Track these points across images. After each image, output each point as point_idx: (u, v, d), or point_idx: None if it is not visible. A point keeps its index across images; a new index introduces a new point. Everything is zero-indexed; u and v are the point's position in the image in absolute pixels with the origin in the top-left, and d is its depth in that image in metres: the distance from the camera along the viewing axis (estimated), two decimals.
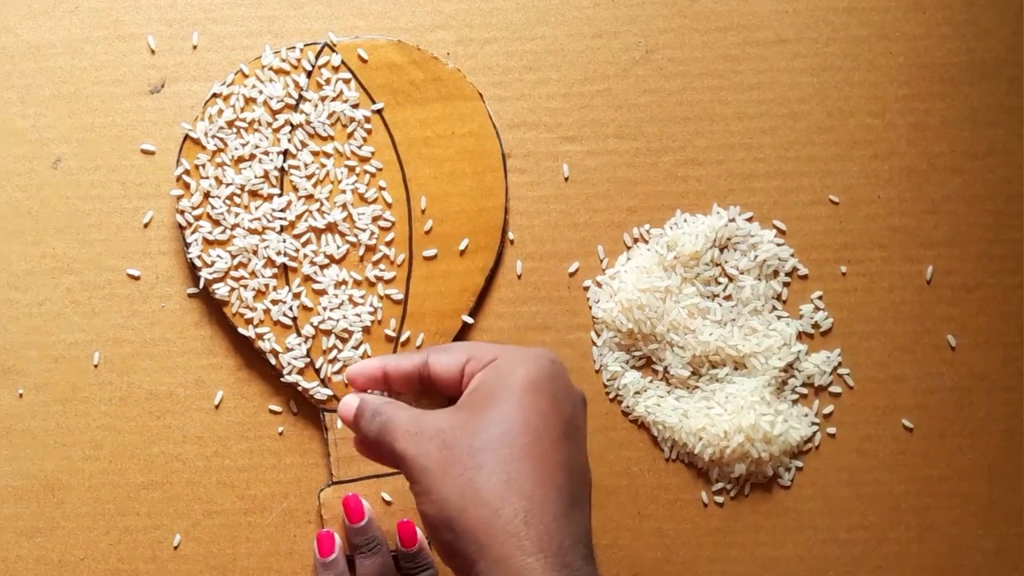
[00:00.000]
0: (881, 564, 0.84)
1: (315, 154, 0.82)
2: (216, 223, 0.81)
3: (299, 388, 0.82)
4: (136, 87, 0.84)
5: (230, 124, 0.82)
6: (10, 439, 0.83)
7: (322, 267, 0.82)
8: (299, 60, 0.82)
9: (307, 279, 0.82)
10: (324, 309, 0.82)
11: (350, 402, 0.65)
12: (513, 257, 0.84)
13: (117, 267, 0.84)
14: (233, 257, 0.81)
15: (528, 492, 0.54)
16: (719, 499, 0.84)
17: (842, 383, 0.85)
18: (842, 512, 0.84)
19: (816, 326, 0.85)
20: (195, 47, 0.85)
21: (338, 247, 0.82)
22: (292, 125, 0.82)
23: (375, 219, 0.82)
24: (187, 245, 0.81)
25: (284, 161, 0.82)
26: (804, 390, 0.84)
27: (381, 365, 0.66)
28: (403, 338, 0.82)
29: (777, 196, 0.85)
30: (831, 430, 0.84)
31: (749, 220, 0.85)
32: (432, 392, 0.66)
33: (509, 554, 0.52)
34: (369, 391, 0.67)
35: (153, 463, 0.83)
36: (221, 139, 0.82)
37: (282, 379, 0.82)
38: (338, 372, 0.82)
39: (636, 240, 0.85)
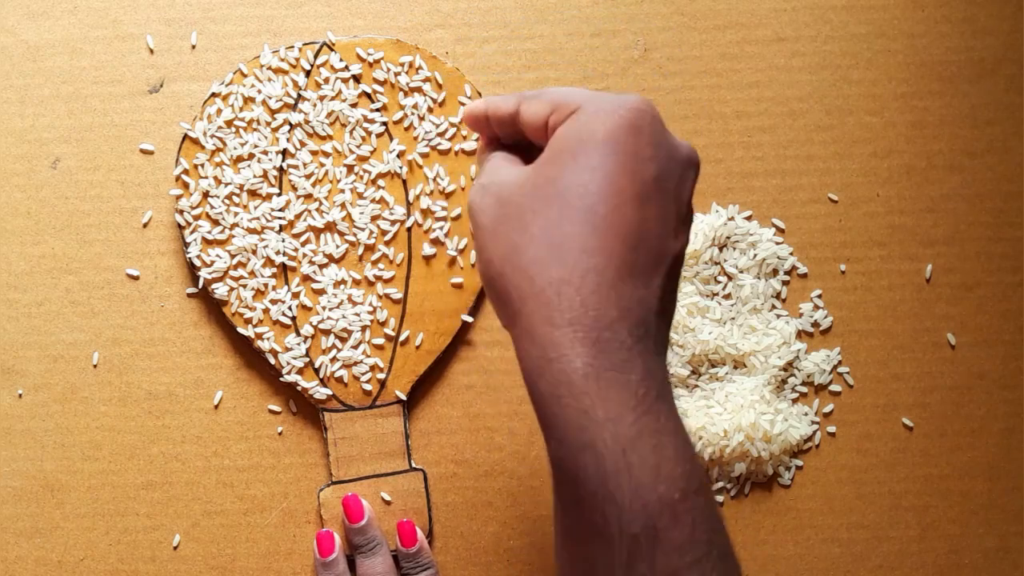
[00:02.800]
0: (881, 563, 0.84)
1: (314, 153, 0.82)
2: (215, 223, 0.81)
3: (298, 388, 0.82)
4: (135, 87, 0.84)
5: (229, 124, 0.82)
6: (9, 439, 0.83)
7: (321, 266, 0.82)
8: (298, 59, 0.82)
9: (306, 278, 0.82)
10: (323, 308, 0.82)
11: (475, 108, 0.61)
12: None
13: (116, 267, 0.83)
14: (232, 257, 0.81)
15: (570, 260, 0.48)
16: (719, 498, 0.84)
17: (842, 382, 0.85)
18: (842, 511, 0.84)
19: (816, 325, 0.85)
20: (194, 47, 0.85)
21: (337, 246, 0.82)
22: (291, 124, 0.82)
23: (374, 218, 0.82)
24: (186, 245, 0.81)
25: (283, 160, 0.82)
26: (804, 389, 0.84)
27: (485, 107, 0.60)
28: (402, 337, 0.82)
29: (776, 194, 0.85)
30: (831, 429, 0.84)
31: (748, 219, 0.85)
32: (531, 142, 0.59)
33: (537, 325, 0.48)
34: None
35: (152, 463, 0.83)
36: (220, 139, 0.82)
37: (281, 379, 0.82)
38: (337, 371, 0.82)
39: None
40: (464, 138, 0.83)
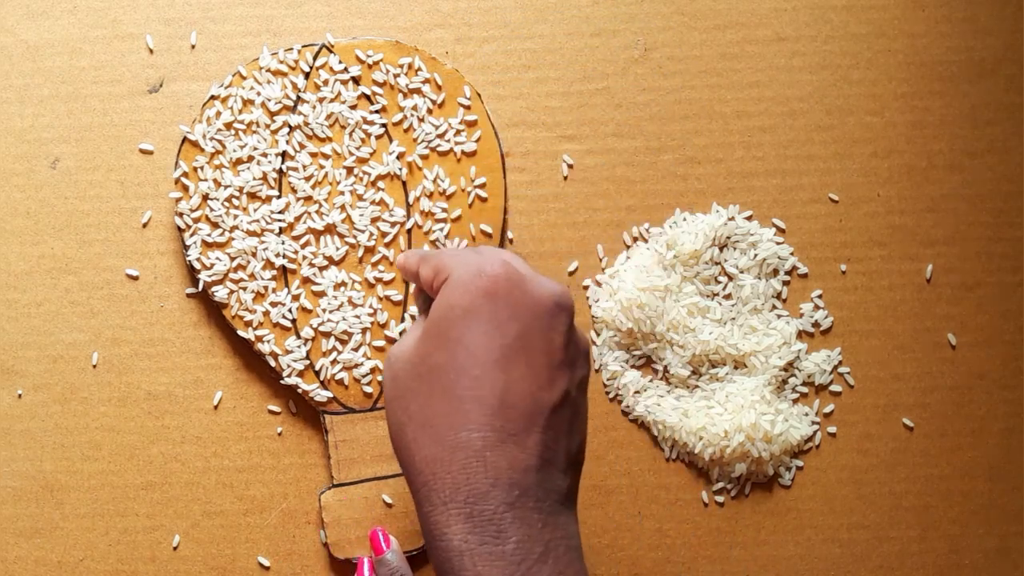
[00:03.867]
0: (882, 563, 0.84)
1: (313, 155, 0.82)
2: (215, 225, 0.81)
3: (299, 390, 0.82)
4: (134, 87, 0.84)
5: (228, 126, 0.82)
6: (9, 440, 0.83)
7: (321, 269, 0.82)
8: (297, 61, 0.82)
9: (306, 281, 0.82)
10: (323, 311, 0.82)
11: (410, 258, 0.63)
12: None
13: (116, 267, 0.83)
14: (232, 259, 0.81)
15: (440, 437, 0.50)
16: (719, 499, 0.84)
17: (842, 382, 0.85)
18: (843, 511, 0.84)
19: (816, 325, 0.85)
20: (193, 47, 0.84)
21: (337, 248, 0.82)
22: (290, 127, 0.82)
23: (374, 220, 0.82)
24: (186, 248, 0.81)
25: (282, 163, 0.82)
26: (804, 389, 0.84)
27: (403, 262, 0.63)
28: None
29: (777, 194, 0.85)
30: (831, 429, 0.84)
31: (749, 219, 0.85)
32: None
33: (421, 502, 0.51)
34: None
35: (152, 464, 0.83)
36: (219, 141, 0.81)
37: (282, 381, 0.82)
38: (337, 374, 0.82)
39: (635, 239, 0.85)
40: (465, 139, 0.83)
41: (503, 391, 0.51)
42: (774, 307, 0.85)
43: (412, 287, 0.82)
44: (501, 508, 0.49)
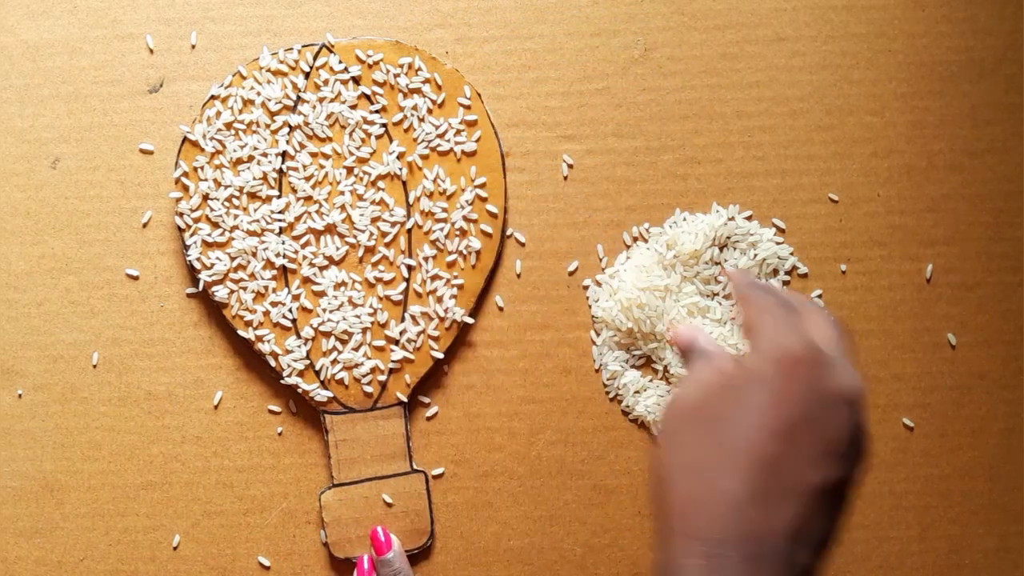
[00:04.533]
0: (882, 563, 0.84)
1: (313, 155, 0.82)
2: (215, 225, 0.81)
3: (299, 390, 0.82)
4: (135, 87, 0.84)
5: (228, 126, 0.82)
6: (9, 440, 0.83)
7: (321, 268, 0.82)
8: (297, 61, 0.82)
9: (306, 281, 0.82)
10: (324, 311, 0.82)
11: (690, 333, 0.63)
12: (512, 257, 0.84)
13: (116, 267, 0.83)
14: (232, 259, 0.81)
15: (706, 479, 0.52)
16: None
17: None
18: None
19: None
20: (193, 47, 0.84)
21: (337, 248, 0.82)
22: (290, 127, 0.82)
23: (374, 220, 0.82)
24: (186, 247, 0.81)
25: (283, 163, 0.82)
26: None
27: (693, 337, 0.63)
28: (403, 339, 0.82)
29: (776, 194, 0.85)
30: None
31: (748, 219, 0.85)
32: None
33: (669, 534, 0.53)
34: None
35: (152, 463, 0.83)
36: (219, 141, 0.82)
37: (282, 381, 0.82)
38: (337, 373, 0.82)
39: (635, 239, 0.85)
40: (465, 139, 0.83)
41: (774, 459, 0.52)
42: None
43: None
44: (737, 558, 0.51)
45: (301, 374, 0.82)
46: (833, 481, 0.54)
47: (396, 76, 0.83)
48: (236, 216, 0.81)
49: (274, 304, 0.82)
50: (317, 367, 0.82)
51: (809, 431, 0.53)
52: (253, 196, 0.82)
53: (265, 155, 0.82)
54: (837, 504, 0.55)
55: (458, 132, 0.83)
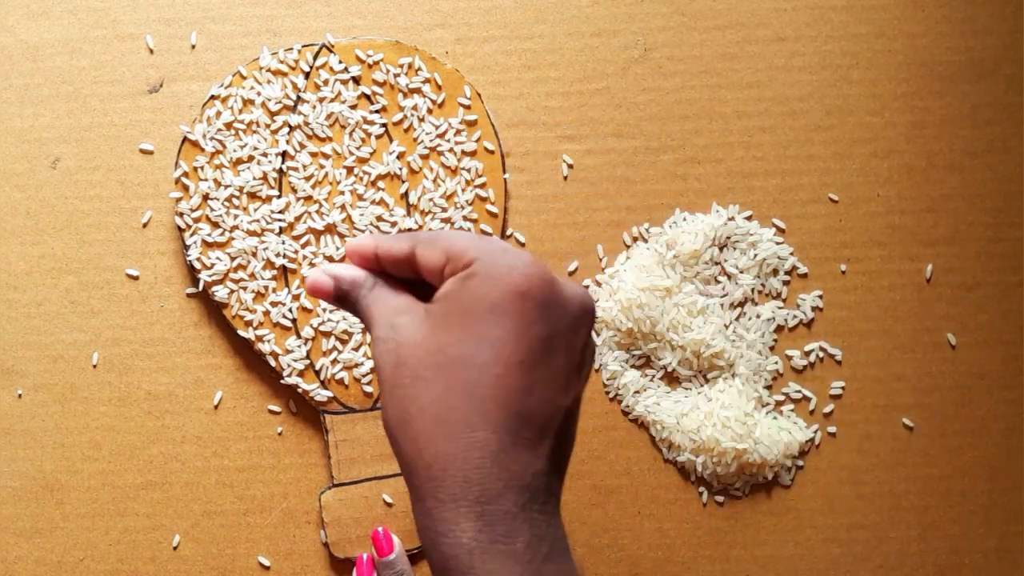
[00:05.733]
0: (882, 563, 0.84)
1: (313, 155, 0.82)
2: (215, 225, 0.81)
3: (299, 390, 0.82)
4: (135, 87, 0.84)
5: (228, 126, 0.82)
6: (9, 440, 0.83)
7: None
8: (297, 61, 0.82)
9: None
10: (324, 311, 0.82)
11: (348, 270, 0.58)
12: None
13: (116, 267, 0.83)
14: (232, 259, 0.81)
15: (456, 434, 0.48)
16: (719, 499, 0.84)
17: (840, 374, 0.84)
18: (843, 511, 0.84)
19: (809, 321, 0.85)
20: (193, 47, 0.85)
21: (337, 248, 0.82)
22: (290, 126, 0.82)
23: (374, 220, 0.82)
24: (186, 247, 0.81)
25: (283, 163, 0.82)
26: (805, 391, 0.84)
27: (375, 246, 0.57)
28: None
29: (776, 194, 0.85)
30: (831, 429, 0.84)
31: (748, 219, 0.85)
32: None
33: (425, 497, 0.49)
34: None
35: (152, 463, 0.83)
36: (219, 141, 0.82)
37: (282, 381, 0.82)
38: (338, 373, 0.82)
39: (635, 239, 0.85)
40: (465, 139, 0.83)
41: (524, 394, 0.49)
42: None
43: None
44: (513, 509, 0.48)
45: (301, 374, 0.82)
46: (575, 398, 0.52)
47: (396, 76, 0.83)
48: (236, 216, 0.81)
49: (274, 304, 0.82)
50: (317, 367, 0.82)
51: (555, 354, 0.51)
52: (253, 196, 0.82)
53: (265, 155, 0.82)
54: (576, 418, 0.53)
55: (458, 132, 0.83)
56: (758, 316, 0.84)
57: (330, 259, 0.82)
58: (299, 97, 0.82)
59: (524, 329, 0.50)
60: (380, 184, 0.82)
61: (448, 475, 0.48)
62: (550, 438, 0.50)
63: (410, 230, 0.82)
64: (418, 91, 0.83)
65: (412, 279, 0.57)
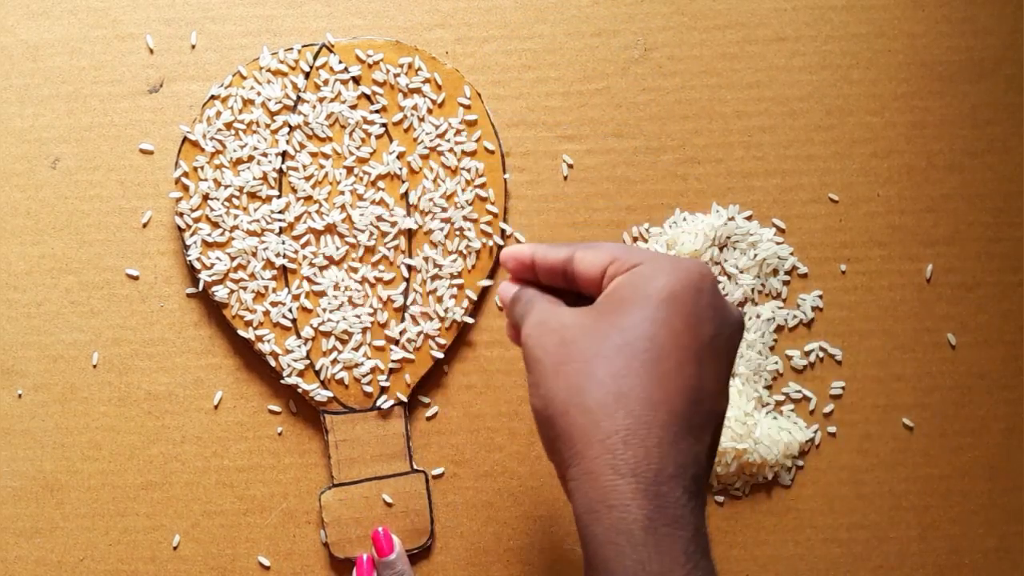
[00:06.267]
0: (882, 563, 0.84)
1: (313, 155, 0.82)
2: (215, 225, 0.81)
3: (299, 390, 0.82)
4: (135, 87, 0.84)
5: (228, 126, 0.82)
6: (9, 440, 0.83)
7: (321, 268, 0.82)
8: (297, 61, 0.82)
9: (306, 280, 0.82)
10: (324, 311, 0.82)
11: (508, 288, 0.62)
12: None
13: (116, 267, 0.83)
14: (232, 259, 0.81)
15: (636, 411, 0.49)
16: (719, 499, 0.84)
17: (840, 375, 0.84)
18: (843, 511, 0.84)
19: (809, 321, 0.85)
20: (194, 47, 0.84)
21: (337, 248, 0.82)
22: (290, 126, 0.82)
23: (374, 220, 0.82)
24: (186, 247, 0.81)
25: (283, 163, 0.82)
26: (805, 391, 0.84)
27: (531, 253, 0.61)
28: (403, 339, 0.82)
29: (776, 194, 0.85)
30: (831, 429, 0.84)
31: (748, 219, 0.85)
32: (577, 291, 0.60)
33: (600, 470, 0.49)
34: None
35: (152, 463, 0.83)
36: (219, 141, 0.81)
37: (282, 381, 0.82)
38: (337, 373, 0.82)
39: (635, 239, 0.85)
40: (465, 139, 0.83)
41: (699, 384, 0.51)
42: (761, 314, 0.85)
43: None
44: (684, 497, 0.49)
45: (301, 374, 0.82)
46: (727, 406, 0.54)
47: (396, 76, 0.83)
48: (236, 216, 0.81)
49: (274, 304, 0.82)
50: (317, 367, 0.82)
51: (718, 354, 0.53)
52: (253, 196, 0.82)
53: (265, 155, 0.82)
54: (720, 431, 0.54)
55: (458, 132, 0.83)
56: (758, 316, 0.84)
57: (330, 258, 0.82)
58: (299, 97, 0.82)
59: (699, 323, 0.52)
60: (380, 184, 0.82)
61: (630, 449, 0.49)
62: (711, 433, 0.52)
63: (410, 230, 0.82)
64: (418, 91, 0.83)
65: (563, 289, 0.60)
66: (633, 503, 0.48)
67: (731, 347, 0.54)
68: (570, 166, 0.85)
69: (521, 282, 0.62)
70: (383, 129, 0.83)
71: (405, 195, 0.82)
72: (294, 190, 0.82)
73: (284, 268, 0.82)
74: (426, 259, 0.82)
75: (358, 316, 0.82)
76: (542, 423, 0.54)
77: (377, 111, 0.83)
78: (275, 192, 0.82)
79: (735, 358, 0.55)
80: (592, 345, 0.52)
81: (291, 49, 0.82)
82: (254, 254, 0.81)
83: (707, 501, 0.52)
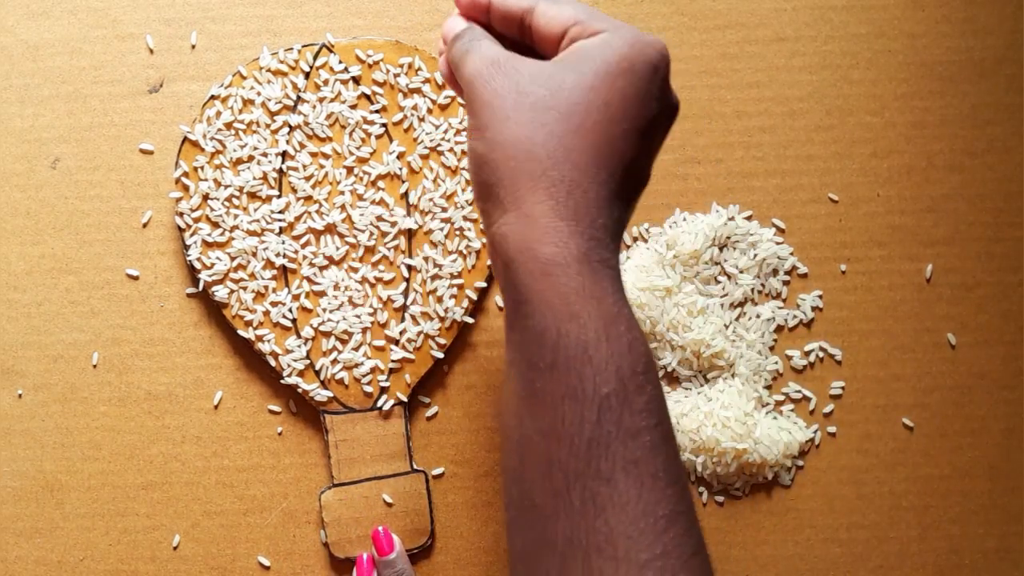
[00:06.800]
0: (882, 563, 0.84)
1: (313, 155, 0.82)
2: (215, 225, 0.81)
3: (299, 390, 0.82)
4: (135, 87, 0.84)
5: (228, 126, 0.82)
6: (9, 440, 0.83)
7: (321, 268, 0.82)
8: (297, 61, 0.82)
9: (306, 280, 0.82)
10: (324, 311, 0.82)
11: (455, 23, 0.62)
12: None
13: (116, 267, 0.83)
14: (232, 259, 0.81)
15: (582, 165, 0.52)
16: (719, 499, 0.84)
17: (840, 375, 0.84)
18: (842, 511, 0.84)
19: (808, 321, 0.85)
20: (194, 47, 0.85)
21: (337, 248, 0.82)
22: (290, 126, 0.82)
23: (374, 220, 0.82)
24: (186, 247, 0.81)
25: (283, 163, 0.82)
26: (805, 391, 0.84)
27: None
28: (403, 339, 0.82)
29: (776, 194, 0.85)
30: (831, 429, 0.84)
31: (748, 219, 0.85)
32: (530, 45, 0.61)
33: (542, 213, 0.52)
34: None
35: (152, 463, 0.83)
36: (219, 141, 0.81)
37: (282, 381, 0.82)
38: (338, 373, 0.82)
39: (635, 239, 0.85)
40: (458, 135, 0.83)
41: (636, 156, 0.54)
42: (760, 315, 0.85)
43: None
44: (612, 245, 0.53)
45: (301, 374, 0.82)
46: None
47: (396, 76, 0.83)
48: (236, 216, 0.81)
49: (274, 304, 0.82)
50: (317, 367, 0.82)
51: (655, 133, 0.56)
52: (253, 196, 0.82)
53: (265, 155, 0.82)
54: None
55: (458, 132, 0.83)
56: (758, 316, 0.84)
57: (330, 258, 0.82)
58: (299, 97, 0.82)
59: (649, 100, 0.55)
60: (380, 184, 0.82)
61: (572, 198, 0.52)
62: (634, 204, 0.56)
63: (410, 230, 0.82)
64: (418, 91, 0.83)
65: (513, 40, 0.61)
66: (571, 240, 0.51)
67: (666, 129, 0.58)
68: None
69: (470, 20, 0.63)
70: (383, 129, 0.83)
71: (405, 195, 0.82)
72: (294, 190, 0.82)
73: (284, 268, 0.82)
74: (426, 259, 0.82)
75: (358, 316, 0.82)
76: (482, 166, 0.55)
77: (377, 111, 0.83)
78: (275, 192, 0.82)
79: (664, 140, 0.58)
80: (549, 97, 0.54)
81: (291, 49, 0.82)
82: (254, 254, 0.81)
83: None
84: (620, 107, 0.54)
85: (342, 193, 0.82)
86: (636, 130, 0.54)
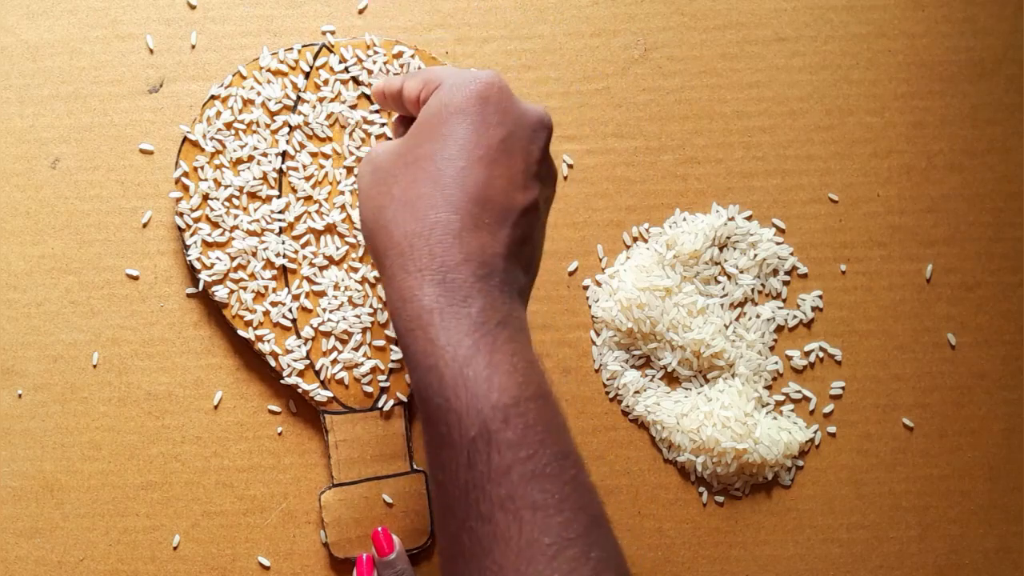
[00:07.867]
0: (882, 563, 0.84)
1: (313, 155, 0.82)
2: (215, 225, 0.81)
3: (299, 390, 0.82)
4: (135, 87, 0.84)
5: (228, 126, 0.82)
6: (9, 440, 0.83)
7: (321, 268, 0.82)
8: (297, 61, 0.82)
9: (306, 280, 0.82)
10: (324, 311, 0.82)
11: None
12: None
13: (116, 267, 0.83)
14: (232, 259, 0.81)
15: (421, 216, 0.55)
16: (719, 499, 0.84)
17: (840, 374, 0.84)
18: (842, 511, 0.84)
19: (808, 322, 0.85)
20: (193, 47, 0.85)
21: (337, 248, 0.82)
22: (290, 126, 0.82)
23: None
24: (186, 247, 0.81)
25: (283, 162, 0.82)
26: (805, 391, 0.84)
27: (383, 86, 0.67)
28: None
29: (776, 194, 0.85)
30: (831, 429, 0.84)
31: (748, 219, 0.85)
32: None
33: (395, 273, 0.55)
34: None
35: (152, 463, 0.83)
36: (219, 141, 0.81)
37: (282, 381, 0.82)
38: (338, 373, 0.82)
39: (635, 239, 0.85)
40: None
41: (484, 185, 0.56)
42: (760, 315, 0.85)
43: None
44: (470, 280, 0.54)
45: (301, 374, 0.82)
46: (534, 201, 0.58)
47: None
48: (236, 216, 0.81)
49: (274, 304, 0.82)
50: (317, 367, 0.82)
51: (513, 154, 0.58)
52: (253, 196, 0.82)
53: (265, 155, 0.82)
54: (538, 225, 0.60)
55: None
56: (758, 316, 0.84)
57: (330, 258, 0.82)
58: (299, 97, 0.82)
59: (485, 129, 0.57)
60: None
61: (415, 250, 0.55)
62: (508, 227, 0.57)
63: None
64: None
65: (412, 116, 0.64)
66: (420, 292, 0.54)
67: (528, 144, 0.59)
68: (570, 166, 0.85)
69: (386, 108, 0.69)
70: (383, 129, 0.83)
71: None
72: (294, 190, 0.82)
73: (284, 268, 0.82)
74: None
75: (358, 316, 0.82)
76: (365, 241, 0.60)
77: (377, 111, 0.83)
78: (275, 192, 0.82)
79: (538, 152, 0.59)
80: (393, 167, 0.58)
81: (291, 49, 0.82)
82: (254, 254, 0.81)
83: (522, 291, 0.58)
84: (454, 148, 0.56)
85: (342, 193, 0.82)
86: (478, 162, 0.56)
